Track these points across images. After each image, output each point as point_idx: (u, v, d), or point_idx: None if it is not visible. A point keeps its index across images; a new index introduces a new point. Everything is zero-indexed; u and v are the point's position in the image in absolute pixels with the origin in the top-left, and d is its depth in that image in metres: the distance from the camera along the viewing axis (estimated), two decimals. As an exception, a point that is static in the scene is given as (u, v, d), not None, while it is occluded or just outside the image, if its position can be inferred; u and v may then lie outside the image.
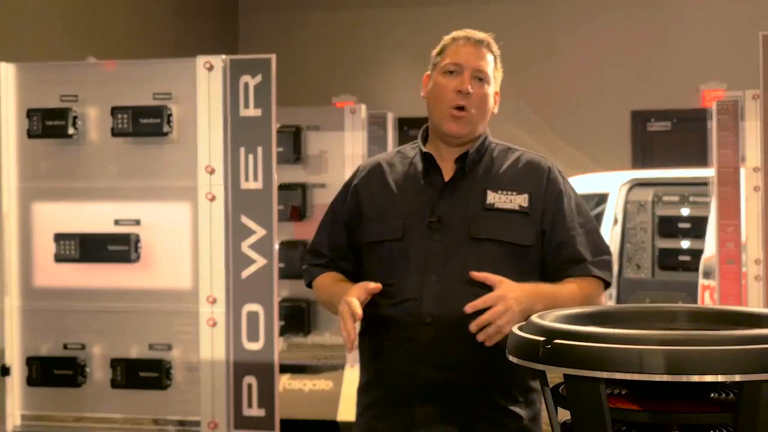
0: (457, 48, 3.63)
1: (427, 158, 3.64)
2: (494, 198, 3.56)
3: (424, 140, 3.74)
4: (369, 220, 3.64)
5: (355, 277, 3.70)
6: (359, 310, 3.35)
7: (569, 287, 3.53)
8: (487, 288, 3.40)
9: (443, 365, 3.46)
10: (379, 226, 3.61)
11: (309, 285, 3.88)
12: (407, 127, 8.02)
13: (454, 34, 3.70)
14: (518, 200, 3.56)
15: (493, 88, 3.66)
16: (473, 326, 3.28)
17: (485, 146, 3.69)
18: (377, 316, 3.54)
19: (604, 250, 3.67)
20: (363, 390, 3.70)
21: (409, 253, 3.53)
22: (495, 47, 3.68)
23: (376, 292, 3.45)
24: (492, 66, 3.64)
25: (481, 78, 3.59)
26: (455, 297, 3.43)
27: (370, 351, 3.66)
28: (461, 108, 3.55)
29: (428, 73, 3.73)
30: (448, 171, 3.62)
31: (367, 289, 3.46)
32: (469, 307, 3.31)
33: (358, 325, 3.37)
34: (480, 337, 3.29)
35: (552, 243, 3.60)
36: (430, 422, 3.49)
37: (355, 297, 3.38)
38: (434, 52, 3.71)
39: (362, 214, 3.68)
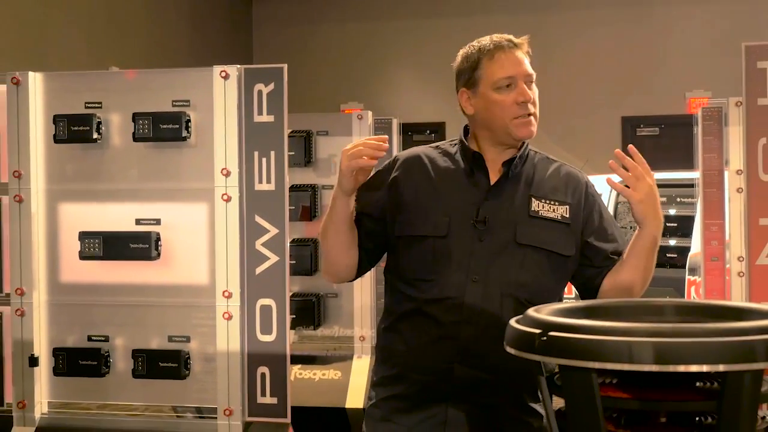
0: (500, 60, 3.54)
1: (476, 158, 3.56)
2: (538, 206, 3.49)
3: (467, 139, 3.66)
4: (409, 212, 3.53)
5: (379, 263, 3.74)
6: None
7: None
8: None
9: (481, 366, 3.38)
10: (421, 220, 3.50)
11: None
12: (411, 132, 8.03)
13: (486, 45, 3.59)
14: (560, 210, 3.51)
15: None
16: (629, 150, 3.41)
17: (527, 152, 3.63)
18: (414, 311, 3.47)
19: (617, 231, 3.66)
20: (383, 383, 3.60)
21: (451, 252, 3.43)
22: (526, 45, 3.66)
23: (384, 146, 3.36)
24: (530, 66, 3.60)
25: (531, 81, 3.56)
26: (496, 299, 3.38)
27: (402, 345, 3.53)
28: (527, 114, 3.50)
29: (464, 89, 3.61)
30: (493, 173, 3.55)
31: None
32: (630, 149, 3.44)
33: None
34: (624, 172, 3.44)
35: (593, 251, 3.55)
36: (463, 420, 3.41)
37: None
38: (463, 65, 3.61)
39: (401, 206, 3.57)
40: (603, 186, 10.19)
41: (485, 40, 3.60)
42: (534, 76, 3.56)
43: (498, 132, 3.53)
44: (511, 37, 3.61)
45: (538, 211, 3.48)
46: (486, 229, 3.43)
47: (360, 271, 3.73)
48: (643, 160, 3.53)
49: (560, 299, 3.53)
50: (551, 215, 3.49)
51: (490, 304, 3.38)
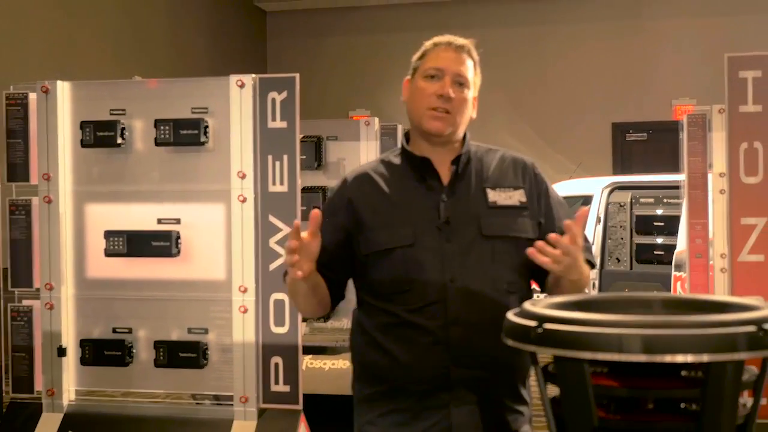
0: (437, 53, 3.32)
1: (424, 162, 3.29)
2: (495, 196, 3.26)
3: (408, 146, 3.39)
4: (372, 230, 3.23)
5: (350, 286, 3.35)
6: (296, 242, 2.93)
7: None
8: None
9: (476, 364, 3.15)
10: (386, 235, 3.21)
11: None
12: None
13: (436, 39, 3.37)
14: (516, 196, 3.28)
15: (472, 93, 3.33)
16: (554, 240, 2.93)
17: (469, 148, 3.37)
18: (395, 324, 3.20)
19: (586, 237, 3.22)
20: (374, 399, 3.29)
21: (421, 258, 3.17)
22: (475, 53, 3.37)
23: (318, 222, 2.98)
24: (472, 71, 3.33)
25: (461, 83, 3.27)
26: (477, 294, 3.16)
27: (385, 360, 3.23)
28: (443, 110, 3.24)
29: (408, 77, 3.40)
30: (444, 174, 3.29)
31: (297, 228, 2.96)
32: (531, 252, 2.96)
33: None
34: (542, 259, 2.94)
35: (546, 233, 3.13)
36: (467, 421, 3.19)
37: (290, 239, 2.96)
38: (415, 57, 3.40)
39: (362, 225, 3.26)
40: (594, 188, 10.17)
41: (440, 37, 3.39)
42: (468, 82, 3.29)
43: (414, 121, 3.32)
44: (462, 40, 3.36)
45: (495, 201, 3.26)
46: (451, 229, 3.21)
47: (335, 304, 3.40)
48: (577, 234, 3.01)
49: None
50: (510, 202, 3.27)
51: (472, 300, 3.16)
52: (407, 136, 3.41)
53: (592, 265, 3.31)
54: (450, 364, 3.15)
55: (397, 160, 3.38)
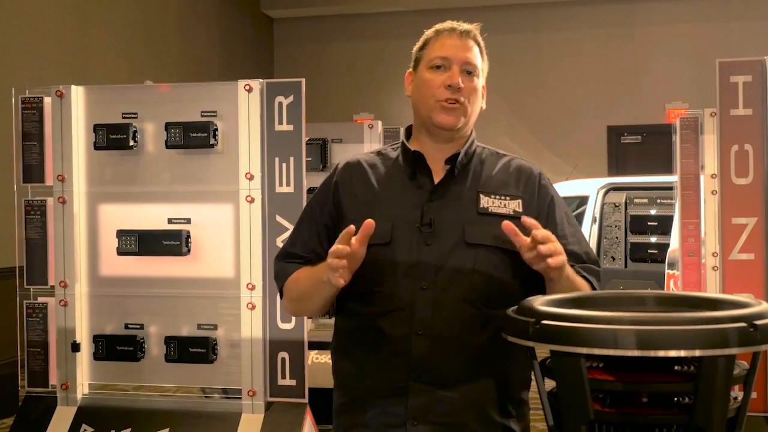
0: (442, 41, 2.97)
1: (416, 158, 2.95)
2: (488, 202, 2.88)
3: (408, 141, 3.06)
4: (351, 222, 2.74)
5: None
6: (346, 249, 2.60)
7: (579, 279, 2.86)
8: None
9: (437, 381, 2.79)
10: None
11: (281, 292, 3.08)
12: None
13: (438, 26, 3.03)
14: (512, 205, 2.89)
15: (481, 82, 3.00)
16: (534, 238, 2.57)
17: (473, 148, 3.02)
18: (361, 328, 2.88)
19: (594, 260, 2.98)
20: (342, 411, 2.99)
21: (397, 259, 2.82)
22: (480, 38, 3.02)
23: (369, 232, 2.65)
24: (479, 58, 2.98)
25: (470, 71, 2.94)
26: (449, 306, 2.80)
27: (352, 367, 2.94)
28: (453, 101, 2.90)
29: (410, 70, 3.07)
30: (437, 172, 2.94)
31: (350, 235, 2.63)
32: (506, 225, 2.61)
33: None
34: (544, 250, 2.57)
35: None
36: None
37: (336, 244, 2.64)
38: (416, 46, 3.06)
39: (343, 216, 2.94)
40: (590, 189, 10.16)
41: (442, 24, 3.04)
42: (477, 69, 2.96)
43: (422, 115, 2.99)
44: (467, 25, 3.01)
45: (487, 207, 2.88)
46: (432, 232, 2.83)
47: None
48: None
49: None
50: (502, 211, 2.87)
51: (443, 312, 2.79)
52: (409, 130, 3.12)
53: (595, 278, 2.94)
54: (409, 378, 2.80)
55: (393, 154, 3.07)
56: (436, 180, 2.93)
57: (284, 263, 3.06)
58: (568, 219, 3.02)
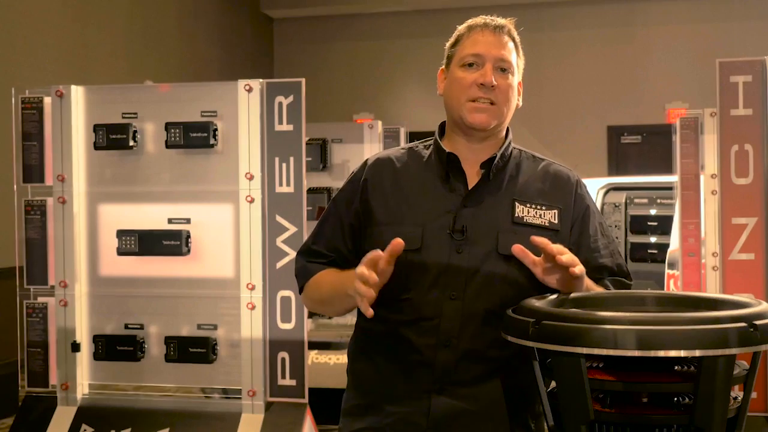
0: (475, 37, 2.84)
1: (450, 160, 2.83)
2: (523, 211, 2.78)
3: (441, 139, 2.94)
4: (380, 224, 2.78)
5: None
6: (374, 276, 2.49)
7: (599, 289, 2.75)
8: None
9: (461, 395, 2.71)
10: (392, 234, 2.66)
11: (301, 289, 2.99)
12: (417, 140, 8.05)
13: (470, 22, 2.90)
14: (548, 216, 2.79)
15: (517, 78, 2.89)
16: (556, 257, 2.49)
17: (509, 151, 2.91)
18: (385, 334, 2.77)
19: (626, 273, 2.90)
20: (353, 413, 2.89)
21: (427, 266, 2.71)
22: (516, 34, 2.92)
23: (397, 252, 2.53)
24: (515, 54, 2.87)
25: (504, 68, 2.82)
26: (478, 319, 2.70)
27: (372, 371, 2.85)
28: (486, 100, 2.79)
29: (442, 68, 2.93)
30: (471, 176, 2.83)
31: (378, 259, 2.51)
32: (517, 248, 2.56)
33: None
34: (565, 260, 2.49)
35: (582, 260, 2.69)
36: None
37: (365, 267, 2.52)
38: (448, 43, 2.92)
39: (372, 217, 2.83)
40: (590, 189, 10.19)
41: (474, 20, 2.93)
42: (512, 66, 2.85)
43: (454, 115, 2.86)
44: (501, 20, 2.91)
45: (522, 217, 2.77)
46: (464, 240, 2.72)
47: None
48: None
49: None
50: (538, 221, 2.78)
51: (471, 324, 2.70)
52: (442, 127, 2.97)
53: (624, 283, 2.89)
54: (432, 390, 2.72)
55: (425, 152, 2.93)
56: (470, 184, 2.82)
57: (306, 262, 2.96)
58: (602, 230, 2.92)
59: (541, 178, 2.88)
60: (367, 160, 2.98)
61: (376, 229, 2.80)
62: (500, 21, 2.88)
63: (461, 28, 2.91)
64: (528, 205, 2.79)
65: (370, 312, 2.49)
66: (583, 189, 2.92)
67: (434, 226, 2.75)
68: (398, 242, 2.52)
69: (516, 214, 2.77)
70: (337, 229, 2.91)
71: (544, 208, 2.80)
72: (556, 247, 2.52)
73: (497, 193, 2.81)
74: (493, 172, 2.82)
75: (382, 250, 2.57)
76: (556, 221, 2.80)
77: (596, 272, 2.82)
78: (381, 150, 6.51)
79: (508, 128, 2.95)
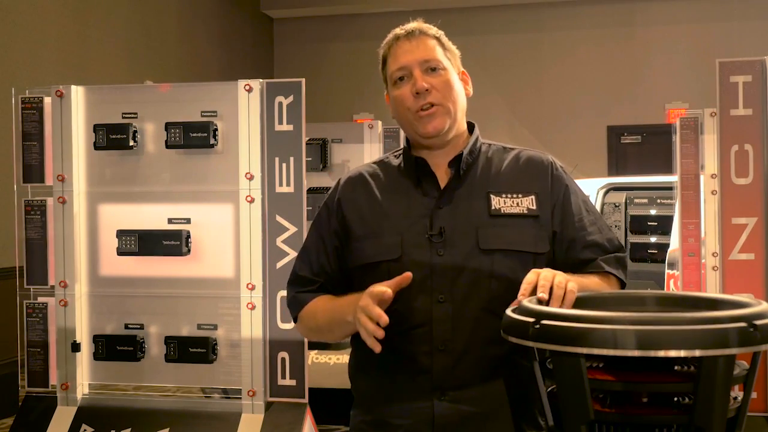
0: (395, 52, 2.86)
1: (419, 164, 2.83)
2: (499, 203, 2.75)
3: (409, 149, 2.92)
4: (359, 239, 2.79)
5: None
6: (384, 316, 2.45)
7: (592, 278, 2.76)
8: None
9: (463, 398, 2.69)
10: (372, 246, 2.76)
11: (296, 319, 2.98)
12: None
13: (386, 40, 2.93)
14: (525, 203, 2.77)
15: (453, 71, 2.86)
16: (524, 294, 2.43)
17: (477, 147, 2.89)
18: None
19: (618, 246, 2.86)
20: (362, 428, 2.87)
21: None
22: (433, 29, 2.90)
23: (404, 285, 2.53)
24: (439, 49, 2.85)
25: (433, 67, 2.81)
26: (469, 318, 2.68)
27: (373, 388, 2.85)
28: (428, 106, 2.77)
29: (386, 93, 2.96)
30: (442, 177, 2.82)
31: (383, 295, 2.48)
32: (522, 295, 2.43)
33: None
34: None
35: (563, 243, 2.81)
36: None
37: (371, 300, 2.50)
38: (380, 68, 2.96)
39: (350, 233, 2.83)
40: (590, 189, 10.18)
41: (388, 36, 2.95)
42: (440, 62, 2.82)
43: (409, 132, 2.86)
44: (411, 24, 2.92)
45: (499, 208, 2.74)
46: (443, 241, 2.70)
47: None
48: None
49: None
50: (516, 210, 2.75)
51: (463, 325, 2.68)
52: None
53: (621, 283, 2.86)
54: (433, 397, 2.70)
55: (395, 162, 2.93)
56: (442, 185, 2.81)
57: (296, 293, 2.96)
58: (586, 207, 2.90)
59: (514, 166, 2.87)
60: (339, 179, 2.98)
61: (357, 245, 2.81)
62: (410, 26, 2.90)
63: (382, 49, 2.94)
64: (504, 196, 2.78)
65: (378, 348, 2.46)
66: (559, 170, 2.91)
67: (412, 233, 2.74)
68: (407, 276, 2.53)
69: (493, 207, 2.76)
70: (321, 253, 2.92)
71: (520, 195, 2.79)
72: (524, 282, 2.47)
73: (471, 190, 2.80)
74: (463, 168, 2.82)
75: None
76: (534, 207, 2.78)
77: (588, 250, 2.82)
78: (381, 150, 6.55)
79: (474, 124, 2.96)
